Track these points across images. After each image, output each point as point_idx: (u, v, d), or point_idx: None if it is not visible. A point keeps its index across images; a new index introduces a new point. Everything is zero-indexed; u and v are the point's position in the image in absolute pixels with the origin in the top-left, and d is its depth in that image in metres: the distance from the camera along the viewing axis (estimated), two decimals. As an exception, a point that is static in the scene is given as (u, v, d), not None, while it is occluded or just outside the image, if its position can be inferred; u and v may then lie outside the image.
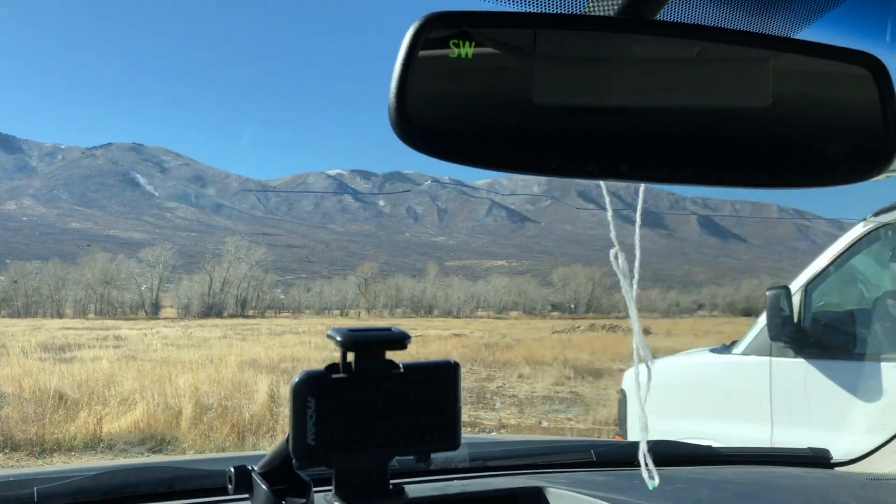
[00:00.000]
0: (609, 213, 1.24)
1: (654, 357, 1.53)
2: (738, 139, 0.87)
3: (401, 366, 0.95)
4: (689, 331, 31.78)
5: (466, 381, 15.73)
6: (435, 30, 0.77)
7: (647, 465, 1.36)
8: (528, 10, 0.91)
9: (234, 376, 11.23)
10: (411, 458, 0.99)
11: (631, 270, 1.25)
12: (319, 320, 48.70)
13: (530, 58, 0.82)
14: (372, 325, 0.99)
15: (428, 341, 23.82)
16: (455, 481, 1.67)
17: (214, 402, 9.19)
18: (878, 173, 0.90)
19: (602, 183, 1.16)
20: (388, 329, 0.96)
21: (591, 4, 0.94)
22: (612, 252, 1.19)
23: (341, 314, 78.35)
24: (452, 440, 0.98)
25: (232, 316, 62.28)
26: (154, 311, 64.07)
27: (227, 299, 68.50)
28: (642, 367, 1.26)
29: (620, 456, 1.94)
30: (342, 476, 0.94)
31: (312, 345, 20.41)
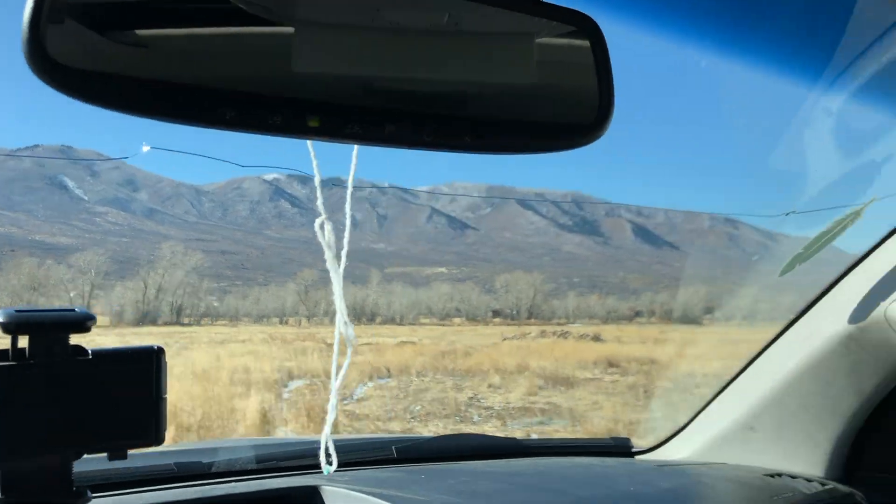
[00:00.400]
0: (317, 179, 1.22)
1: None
2: (476, 107, 0.87)
3: (90, 352, 0.86)
4: (638, 338, 32.77)
5: (433, 392, 15.62)
6: None
7: (326, 451, 1.37)
8: None
9: (199, 391, 10.80)
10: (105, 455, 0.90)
11: (339, 241, 1.25)
12: (259, 328, 48.31)
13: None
14: (55, 306, 0.90)
15: (383, 349, 23.73)
16: (227, 484, 1.65)
17: (196, 421, 8.73)
18: (596, 138, 0.90)
19: (311, 147, 1.15)
20: (70, 309, 0.88)
21: None
22: (317, 222, 1.21)
23: (280, 322, 75.28)
24: (153, 435, 0.90)
25: (167, 324, 59.55)
26: (84, 319, 61.57)
27: (162, 307, 65.27)
28: (342, 339, 1.23)
29: (423, 451, 1.96)
30: (9, 477, 0.84)
31: (260, 354, 20.10)
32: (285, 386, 15.41)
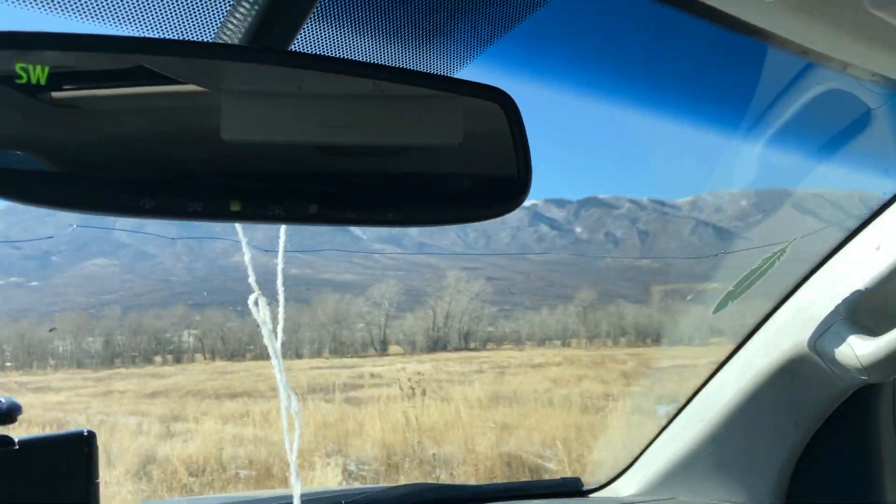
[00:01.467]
0: (247, 257, 1.17)
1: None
2: (398, 182, 0.86)
3: (16, 441, 0.86)
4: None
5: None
6: None
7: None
8: (131, 35, 0.81)
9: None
10: None
11: (274, 318, 1.22)
12: (551, 351, 45.41)
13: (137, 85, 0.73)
14: None
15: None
16: None
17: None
18: (518, 205, 0.91)
19: (238, 226, 1.09)
20: None
21: (220, 33, 0.86)
22: (251, 298, 1.17)
23: (563, 344, 70.46)
24: None
25: (457, 349, 59.49)
26: (383, 348, 65.16)
27: (450, 334, 66.15)
28: (289, 413, 1.23)
29: (374, 501, 1.98)
30: None
31: (591, 378, 18.52)
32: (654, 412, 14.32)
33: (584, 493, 2.28)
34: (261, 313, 1.21)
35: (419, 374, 20.06)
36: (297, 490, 1.32)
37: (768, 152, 1.97)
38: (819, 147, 1.99)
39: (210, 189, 0.75)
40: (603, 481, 2.32)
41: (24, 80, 0.65)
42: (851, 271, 1.87)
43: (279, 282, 1.21)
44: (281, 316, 1.21)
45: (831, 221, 2.05)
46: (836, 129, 1.87)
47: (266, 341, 1.20)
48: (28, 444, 0.88)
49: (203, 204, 0.74)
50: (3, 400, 0.89)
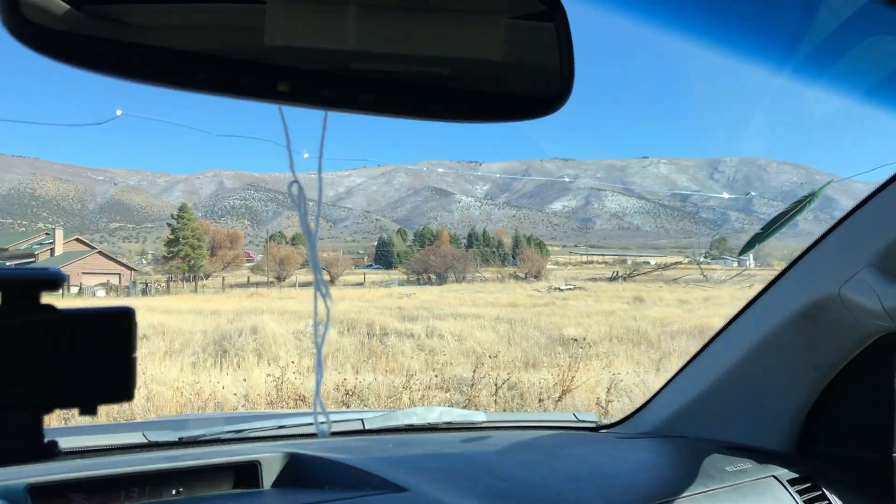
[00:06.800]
0: (287, 143, 1.12)
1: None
2: (445, 79, 0.89)
3: (61, 311, 0.90)
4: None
5: None
6: None
7: (319, 408, 1.25)
8: None
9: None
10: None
11: (309, 203, 1.17)
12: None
13: None
14: (27, 267, 0.90)
15: None
16: (197, 450, 1.74)
17: None
18: (558, 107, 0.93)
19: (281, 112, 1.04)
20: (44, 269, 0.89)
21: None
22: (290, 185, 1.14)
23: None
24: (124, 392, 0.92)
25: None
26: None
27: None
28: (321, 308, 1.15)
29: (392, 424, 2.02)
30: None
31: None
32: None
33: (596, 429, 2.32)
34: (297, 200, 1.17)
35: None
36: (318, 377, 1.22)
37: (815, 90, 1.71)
38: (868, 90, 1.75)
39: (261, 69, 0.79)
40: (616, 419, 2.36)
41: None
42: (883, 219, 1.84)
43: (319, 173, 1.19)
44: (319, 202, 1.23)
45: (866, 168, 1.97)
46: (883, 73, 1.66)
47: (301, 228, 1.18)
48: (72, 315, 0.90)
49: (253, 79, 0.78)
50: (49, 269, 0.91)
